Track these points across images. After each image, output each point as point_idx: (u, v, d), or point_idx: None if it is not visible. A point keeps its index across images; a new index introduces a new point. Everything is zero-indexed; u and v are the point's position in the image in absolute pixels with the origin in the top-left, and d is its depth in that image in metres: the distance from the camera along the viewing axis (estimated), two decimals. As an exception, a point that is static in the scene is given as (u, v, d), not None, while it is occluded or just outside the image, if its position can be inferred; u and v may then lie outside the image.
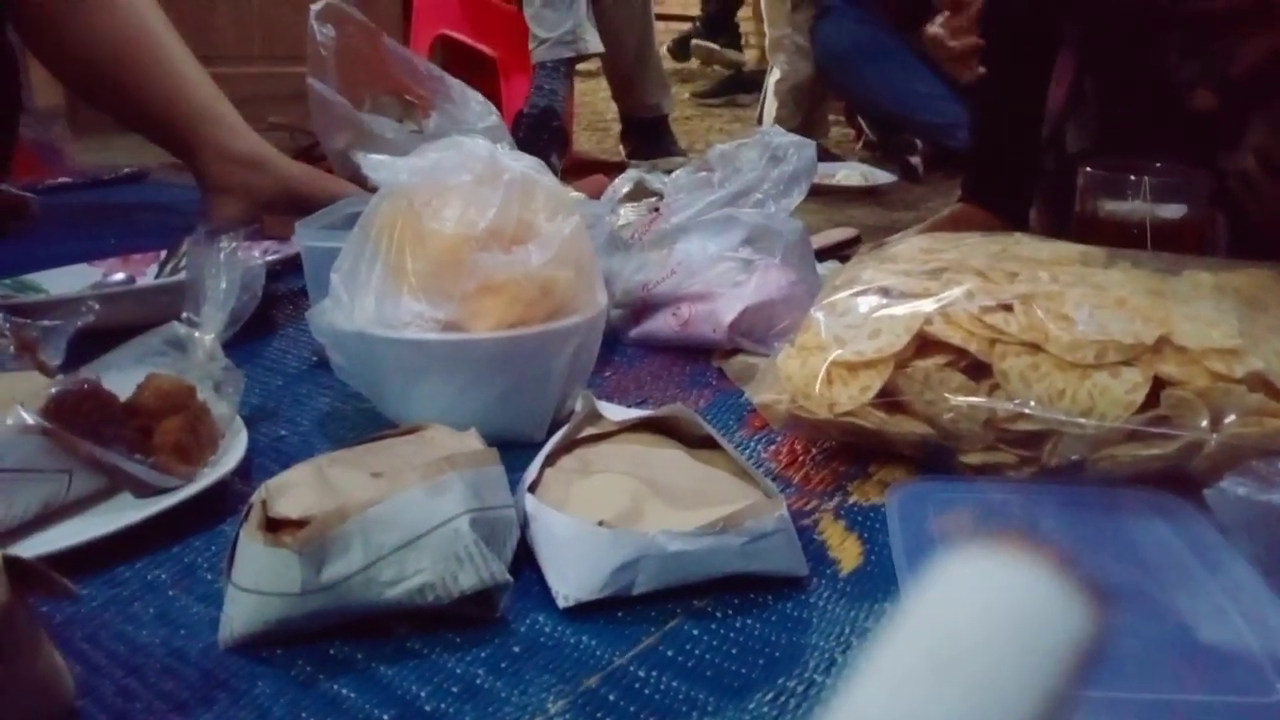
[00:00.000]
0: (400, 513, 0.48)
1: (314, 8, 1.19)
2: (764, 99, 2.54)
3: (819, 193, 1.53)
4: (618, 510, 0.52)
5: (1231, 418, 0.57)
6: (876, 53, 2.18)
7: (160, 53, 1.20)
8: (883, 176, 2.00)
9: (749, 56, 3.97)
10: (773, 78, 2.48)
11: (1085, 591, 0.18)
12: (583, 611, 0.51)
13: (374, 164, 0.67)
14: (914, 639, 0.18)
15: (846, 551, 0.58)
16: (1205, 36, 0.90)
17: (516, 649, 0.49)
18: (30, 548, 0.53)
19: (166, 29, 1.22)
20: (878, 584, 0.54)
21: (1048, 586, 0.18)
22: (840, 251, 1.28)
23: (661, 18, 2.58)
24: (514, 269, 0.65)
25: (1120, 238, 0.82)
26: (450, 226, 0.65)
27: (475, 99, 1.19)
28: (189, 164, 1.26)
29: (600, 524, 0.51)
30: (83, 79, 1.26)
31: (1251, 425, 0.57)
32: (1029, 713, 0.17)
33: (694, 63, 4.15)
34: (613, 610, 0.51)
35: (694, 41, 3.97)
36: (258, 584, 0.47)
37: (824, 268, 1.01)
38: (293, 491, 0.49)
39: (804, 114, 2.41)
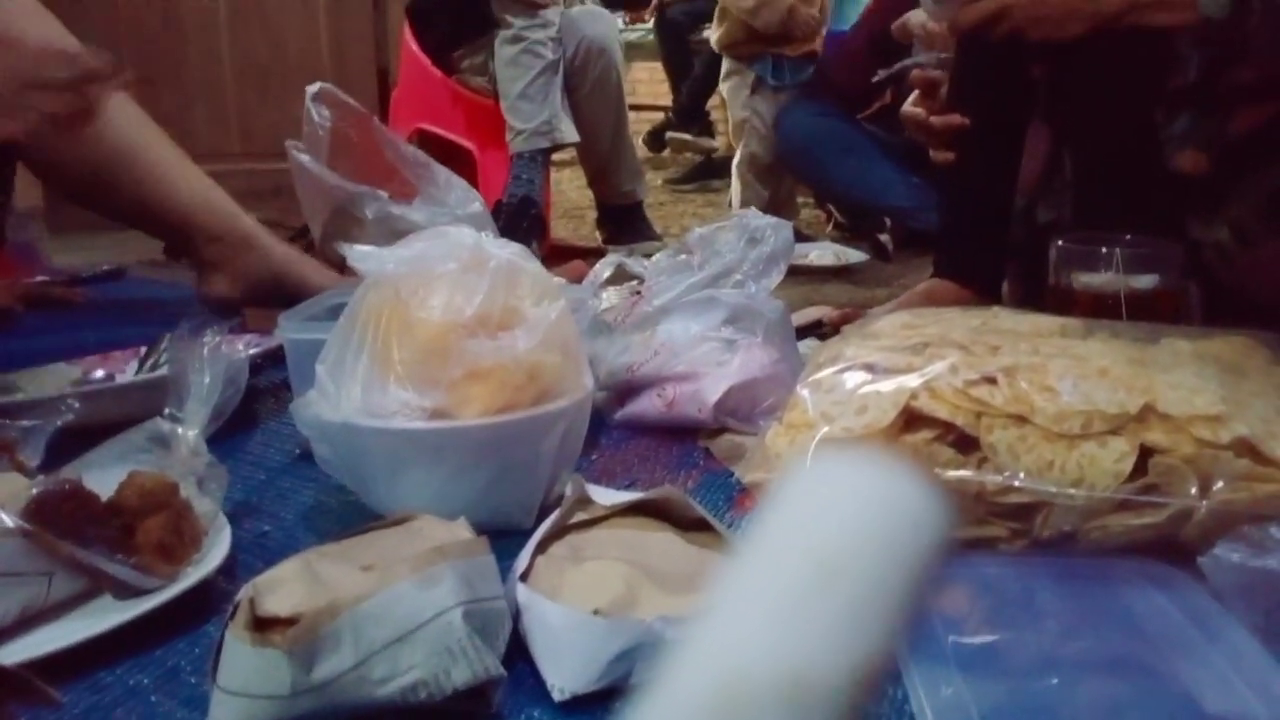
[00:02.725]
0: (391, 607, 0.47)
1: (310, 90, 1.24)
2: (733, 182, 2.61)
3: (793, 272, 1.55)
4: (612, 597, 0.52)
5: (1220, 484, 0.57)
6: (836, 143, 2.24)
7: (152, 156, 1.24)
8: (854, 255, 2.03)
9: (720, 143, 4.06)
10: (735, 160, 2.55)
11: (938, 484, 0.19)
12: (579, 704, 0.49)
13: (360, 255, 0.67)
14: (790, 550, 0.19)
15: (844, 632, 0.57)
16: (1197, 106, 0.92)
17: (513, 745, 0.47)
18: (9, 654, 0.51)
19: (157, 136, 1.26)
20: (878, 664, 0.53)
21: (911, 486, 0.19)
22: (817, 330, 1.29)
23: (633, 108, 2.64)
24: (501, 354, 0.65)
25: (1096, 309, 0.84)
26: (437, 314, 0.65)
27: (459, 185, 1.21)
28: (184, 250, 1.30)
29: (595, 612, 0.50)
30: (78, 190, 1.29)
31: (1240, 490, 0.57)
32: (905, 608, 0.18)
33: (666, 151, 4.25)
34: (609, 702, 0.50)
35: (669, 134, 4.08)
36: (245, 686, 0.46)
37: (802, 346, 1.02)
38: (282, 588, 0.48)
39: (770, 192, 2.47)
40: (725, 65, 2.58)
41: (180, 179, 1.26)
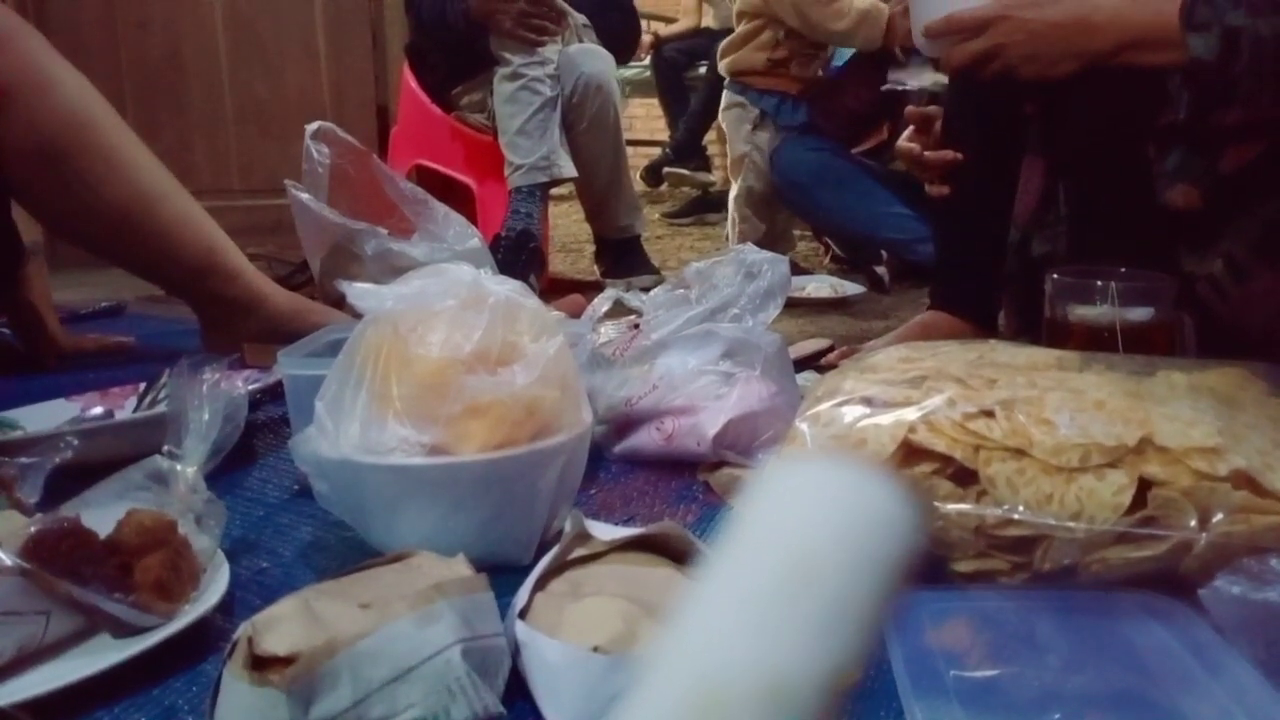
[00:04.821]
0: (390, 644, 0.47)
1: (309, 128, 1.24)
2: (730, 216, 2.61)
3: (790, 305, 1.56)
4: (611, 634, 0.51)
5: (1219, 516, 0.57)
6: (833, 178, 2.26)
7: (158, 212, 1.22)
8: (851, 288, 2.04)
9: (717, 177, 4.09)
10: (733, 193, 2.55)
11: (911, 489, 0.19)
12: (579, 741, 0.49)
13: (359, 292, 0.68)
14: (764, 555, 0.19)
15: (845, 667, 0.56)
16: (1188, 143, 0.93)
17: (512, 784, 0.47)
18: (6, 694, 0.51)
19: (168, 185, 1.24)
20: (879, 700, 0.53)
21: (880, 489, 0.19)
22: (814, 362, 1.29)
23: (630, 143, 2.65)
24: (499, 390, 0.65)
25: (1091, 342, 0.84)
26: (436, 351, 0.65)
27: (457, 221, 1.22)
28: (188, 304, 1.30)
29: (594, 649, 0.50)
30: (83, 243, 1.29)
31: (1239, 523, 0.57)
32: (878, 610, 0.19)
33: (664, 186, 4.29)
34: (610, 738, 0.49)
35: (666, 169, 4.11)
36: (243, 725, 0.46)
37: (801, 378, 1.03)
38: (280, 627, 0.48)
39: (767, 225, 2.48)
40: (726, 98, 2.55)
41: (188, 240, 1.23)
